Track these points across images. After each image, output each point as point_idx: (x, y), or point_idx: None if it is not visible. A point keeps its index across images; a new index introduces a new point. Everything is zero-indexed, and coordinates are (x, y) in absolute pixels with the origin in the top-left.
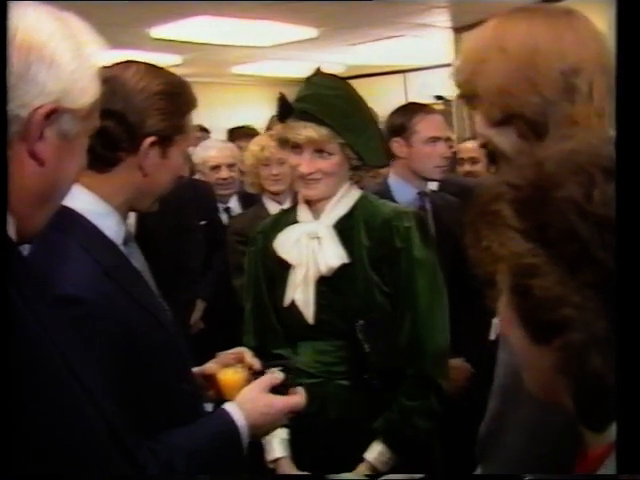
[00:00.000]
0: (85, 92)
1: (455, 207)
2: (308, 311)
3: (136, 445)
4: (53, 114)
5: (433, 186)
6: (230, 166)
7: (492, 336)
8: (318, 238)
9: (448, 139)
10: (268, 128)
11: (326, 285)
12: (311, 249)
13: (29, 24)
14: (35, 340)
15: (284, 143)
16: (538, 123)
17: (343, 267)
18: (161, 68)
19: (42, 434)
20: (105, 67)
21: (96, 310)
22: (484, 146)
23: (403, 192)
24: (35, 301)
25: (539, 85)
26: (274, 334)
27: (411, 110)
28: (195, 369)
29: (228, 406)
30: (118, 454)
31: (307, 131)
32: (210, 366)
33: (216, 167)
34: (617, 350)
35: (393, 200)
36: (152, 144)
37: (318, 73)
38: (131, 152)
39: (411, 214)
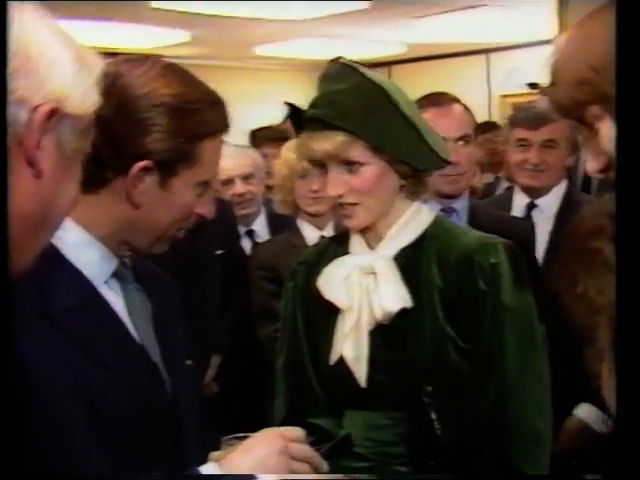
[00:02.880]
0: (86, 98)
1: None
2: (359, 370)
3: None
4: (54, 116)
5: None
6: (246, 178)
7: None
8: (374, 274)
9: (465, 137)
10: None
11: (383, 336)
12: (365, 288)
13: (30, 23)
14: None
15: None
16: None
17: (407, 313)
18: (189, 74)
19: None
20: (112, 61)
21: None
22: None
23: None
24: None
25: None
26: (312, 398)
27: (419, 103)
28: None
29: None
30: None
31: (319, 143)
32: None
33: (229, 181)
34: (618, 350)
35: None
36: (145, 170)
37: (331, 66)
38: (120, 174)
39: (500, 246)
